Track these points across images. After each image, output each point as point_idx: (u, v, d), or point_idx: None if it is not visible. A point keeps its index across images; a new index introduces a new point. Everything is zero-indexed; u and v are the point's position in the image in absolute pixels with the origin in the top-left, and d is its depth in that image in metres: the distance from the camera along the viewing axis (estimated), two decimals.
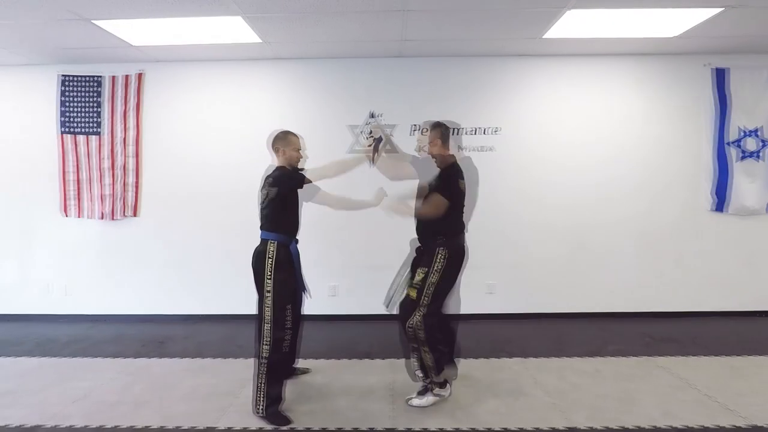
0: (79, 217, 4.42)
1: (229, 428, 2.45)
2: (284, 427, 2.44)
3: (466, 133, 4.34)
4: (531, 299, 4.45)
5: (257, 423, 2.49)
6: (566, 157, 4.40)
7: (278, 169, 2.67)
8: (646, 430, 2.39)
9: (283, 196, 2.59)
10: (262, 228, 2.71)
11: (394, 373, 3.15)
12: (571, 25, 3.59)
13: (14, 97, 4.44)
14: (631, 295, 4.45)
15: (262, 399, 2.51)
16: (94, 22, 3.38)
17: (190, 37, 3.75)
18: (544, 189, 4.39)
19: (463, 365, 3.31)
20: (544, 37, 3.83)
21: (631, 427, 2.42)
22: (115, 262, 4.48)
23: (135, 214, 4.43)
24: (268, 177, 2.66)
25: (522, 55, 4.30)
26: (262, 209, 2.68)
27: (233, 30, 3.55)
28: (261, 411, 2.51)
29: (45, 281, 4.52)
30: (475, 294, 4.41)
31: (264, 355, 2.53)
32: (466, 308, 4.40)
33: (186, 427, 2.46)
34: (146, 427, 2.47)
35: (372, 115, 4.36)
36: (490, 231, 4.40)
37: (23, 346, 3.78)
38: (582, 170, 4.40)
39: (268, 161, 4.36)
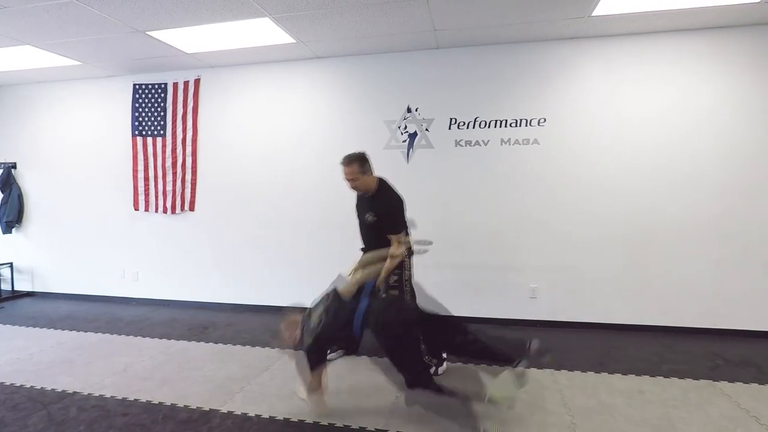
0: (146, 211, 4.92)
1: (230, 412, 2.54)
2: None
3: (507, 126, 4.06)
4: (579, 306, 4.02)
5: (256, 410, 2.55)
6: (627, 151, 3.90)
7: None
8: None
9: None
10: None
11: None
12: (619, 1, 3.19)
13: (99, 105, 5.06)
14: (706, 309, 3.82)
15: None
16: (147, 33, 3.74)
17: (233, 42, 3.97)
18: (598, 186, 3.94)
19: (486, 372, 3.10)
20: (593, 14, 3.45)
21: None
22: (176, 252, 4.91)
23: (192, 209, 4.82)
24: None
25: (568, 39, 3.91)
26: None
27: (266, 31, 3.69)
28: None
29: (121, 268, 5.10)
30: (516, 298, 4.13)
31: None
32: (506, 313, 4.16)
33: (193, 407, 2.60)
34: (160, 402, 2.66)
35: (409, 110, 4.27)
36: (535, 230, 4.07)
37: (95, 323, 4.29)
38: (650, 166, 3.86)
39: (310, 159, 4.51)
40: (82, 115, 5.11)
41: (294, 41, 3.93)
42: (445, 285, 4.24)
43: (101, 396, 2.75)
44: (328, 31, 3.71)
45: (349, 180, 2.88)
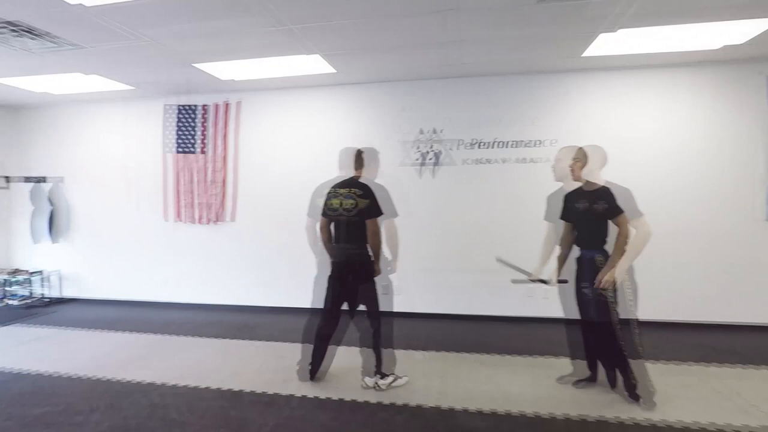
0: (180, 220, 5.37)
1: (304, 396, 3.01)
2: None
3: (522, 146, 4.60)
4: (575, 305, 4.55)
5: (325, 393, 3.04)
6: (618, 169, 4.43)
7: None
8: (676, 428, 2.56)
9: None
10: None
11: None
12: (607, 45, 3.73)
13: (131, 123, 5.52)
14: (698, 305, 4.40)
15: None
16: (194, 65, 4.17)
17: (275, 71, 4.42)
18: None
19: (498, 361, 3.61)
20: (583, 55, 4.01)
21: (660, 425, 2.59)
22: (217, 260, 5.35)
23: (233, 219, 5.27)
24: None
25: (567, 71, 4.50)
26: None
27: (312, 64, 4.16)
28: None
29: (162, 275, 5.51)
30: (516, 297, 4.63)
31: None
32: (507, 311, 4.67)
33: (271, 393, 3.06)
34: (241, 390, 3.12)
35: (422, 131, 4.78)
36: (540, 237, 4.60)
37: (148, 325, 4.68)
38: (636, 181, 4.39)
39: (335, 173, 5.00)
40: (121, 132, 5.55)
41: (334, 71, 4.41)
42: (456, 285, 4.78)
43: (187, 386, 3.19)
44: (369, 64, 4.21)
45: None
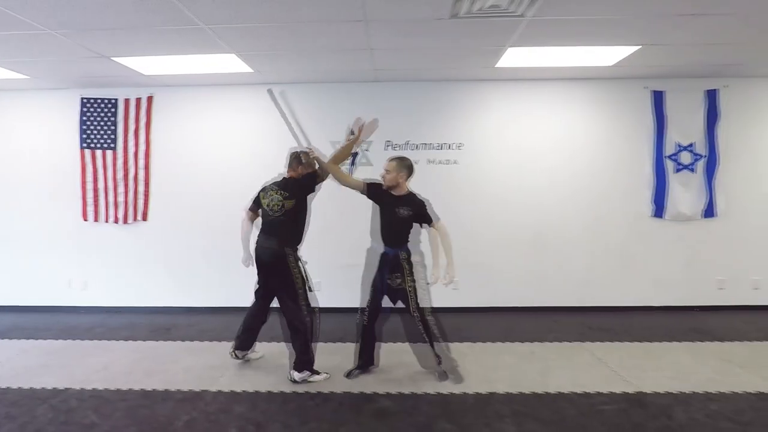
0: (96, 221, 5.08)
1: (219, 391, 3.07)
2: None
3: (432, 148, 4.95)
4: (490, 294, 5.03)
5: (241, 387, 3.11)
6: (522, 170, 4.99)
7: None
8: (552, 394, 2.98)
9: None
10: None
11: None
12: (515, 58, 4.17)
13: (41, 117, 5.13)
14: (581, 291, 5.02)
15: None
16: (113, 59, 4.03)
17: (193, 68, 4.38)
18: (504, 198, 4.98)
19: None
20: (496, 66, 4.43)
21: (540, 393, 3.00)
22: (128, 260, 5.13)
23: (145, 219, 5.09)
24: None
25: (480, 80, 4.91)
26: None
27: (229, 63, 4.18)
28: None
29: (67, 277, 5.18)
30: (440, 289, 5.01)
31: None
32: (436, 302, 5.03)
33: (185, 390, 3.08)
34: (153, 389, 3.09)
35: (352, 132, 4.96)
36: (455, 234, 4.97)
37: (50, 332, 4.41)
38: (540, 185, 4.98)
39: (260, 173, 5.03)
40: (23, 125, 5.12)
41: (251, 71, 4.45)
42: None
43: (94, 389, 3.10)
44: (286, 65, 4.31)
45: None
